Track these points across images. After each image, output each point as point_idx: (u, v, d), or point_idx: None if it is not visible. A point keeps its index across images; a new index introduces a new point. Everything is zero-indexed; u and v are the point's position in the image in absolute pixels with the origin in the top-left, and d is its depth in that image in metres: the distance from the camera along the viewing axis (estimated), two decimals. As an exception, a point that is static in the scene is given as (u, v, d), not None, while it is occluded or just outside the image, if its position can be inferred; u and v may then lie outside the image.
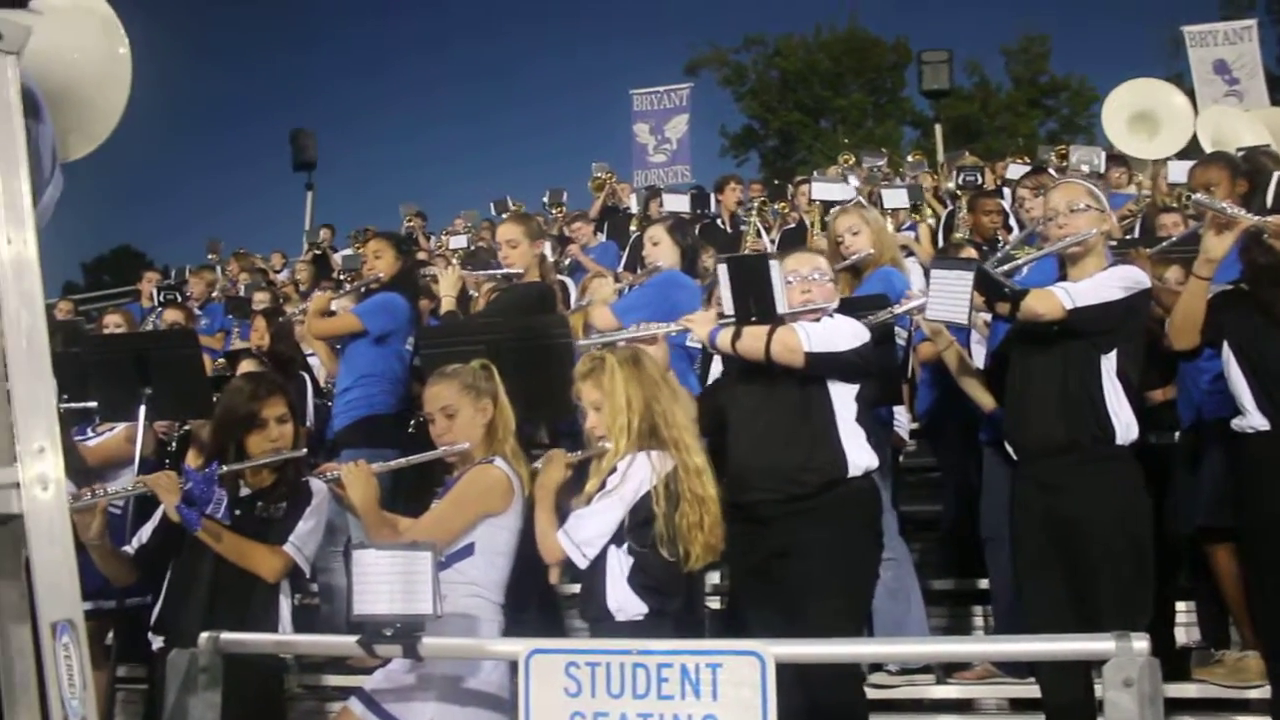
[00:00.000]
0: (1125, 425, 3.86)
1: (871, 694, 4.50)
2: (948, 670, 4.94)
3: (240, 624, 3.48)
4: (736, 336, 3.88)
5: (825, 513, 3.75)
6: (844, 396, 3.87)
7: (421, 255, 11.87)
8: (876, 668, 4.82)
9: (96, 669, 1.71)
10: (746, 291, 3.88)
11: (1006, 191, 9.40)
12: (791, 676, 2.79)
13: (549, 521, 3.56)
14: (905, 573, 4.88)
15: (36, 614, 1.61)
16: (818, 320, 3.91)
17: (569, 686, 2.55)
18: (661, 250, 5.74)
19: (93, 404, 5.59)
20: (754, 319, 3.86)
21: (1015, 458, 4.14)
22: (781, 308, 3.83)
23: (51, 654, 1.58)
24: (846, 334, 3.87)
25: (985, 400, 4.34)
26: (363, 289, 6.34)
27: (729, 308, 3.95)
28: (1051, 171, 8.75)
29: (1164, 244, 5.31)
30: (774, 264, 3.86)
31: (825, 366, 3.82)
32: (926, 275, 4.96)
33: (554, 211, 12.81)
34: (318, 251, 14.44)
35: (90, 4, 2.13)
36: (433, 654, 2.90)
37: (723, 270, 4.00)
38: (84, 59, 2.11)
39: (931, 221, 10.21)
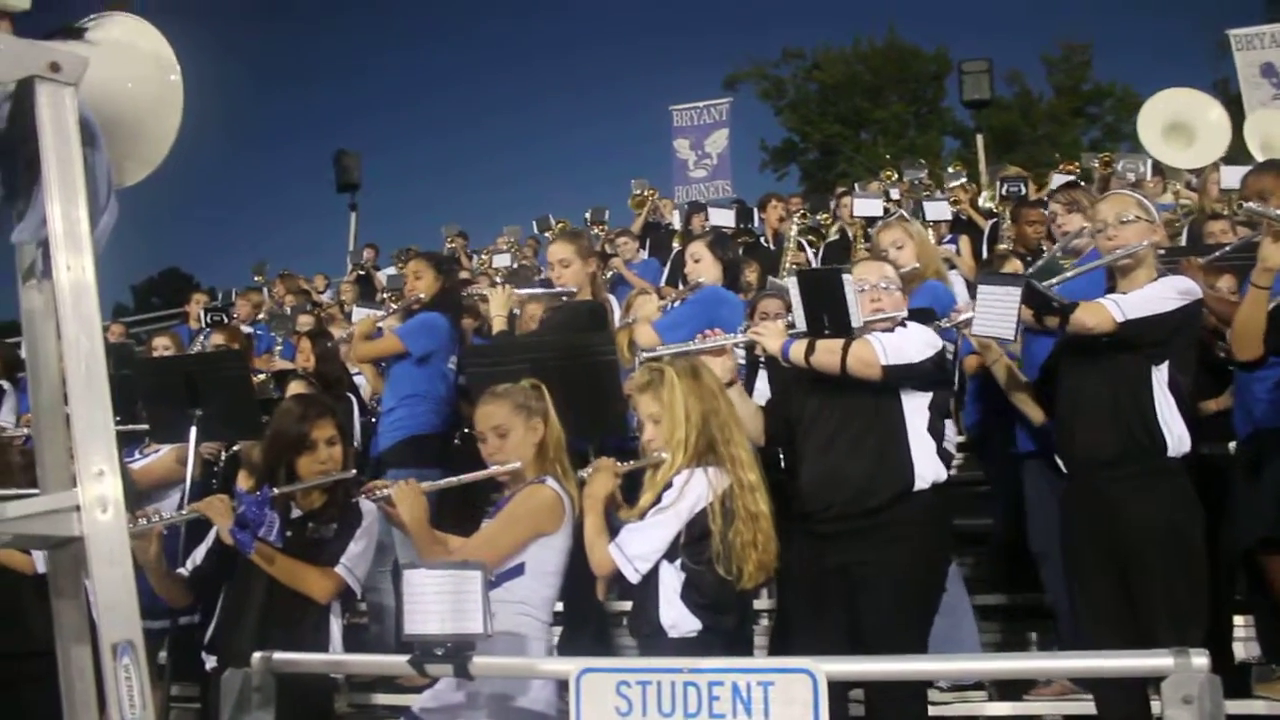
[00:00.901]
0: (1177, 437, 3.80)
1: (923, 711, 4.46)
2: (1003, 688, 4.86)
3: (292, 644, 3.49)
4: (810, 350, 3.87)
5: (892, 526, 3.74)
6: (916, 405, 3.86)
7: (464, 275, 11.95)
8: (928, 685, 4.76)
9: (152, 688, 1.72)
10: (819, 305, 3.88)
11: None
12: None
13: (598, 531, 3.54)
14: (956, 588, 4.82)
15: (97, 635, 1.62)
16: (890, 330, 3.89)
17: (620, 705, 2.54)
18: (703, 266, 5.75)
19: (144, 426, 5.66)
20: (827, 332, 3.85)
21: (1065, 470, 4.09)
22: (856, 321, 3.82)
23: (112, 674, 1.59)
24: (920, 343, 3.86)
25: (1034, 413, 4.29)
26: (406, 309, 6.38)
27: (801, 321, 3.93)
28: (1084, 185, 8.65)
29: (1217, 253, 5.24)
30: (847, 278, 3.86)
31: (901, 377, 3.81)
32: (970, 288, 4.92)
33: (596, 229, 12.83)
34: (361, 272, 14.56)
35: (142, 34, 2.16)
36: (483, 673, 2.89)
37: (793, 283, 4.00)
38: (137, 88, 2.14)
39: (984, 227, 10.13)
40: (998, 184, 10.70)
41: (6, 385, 7.75)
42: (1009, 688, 4.88)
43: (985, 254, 9.13)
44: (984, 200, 11.21)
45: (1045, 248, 7.49)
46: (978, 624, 4.97)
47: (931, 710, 4.60)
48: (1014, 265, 6.06)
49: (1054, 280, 4.35)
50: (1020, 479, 5.13)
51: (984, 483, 6.38)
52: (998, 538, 5.82)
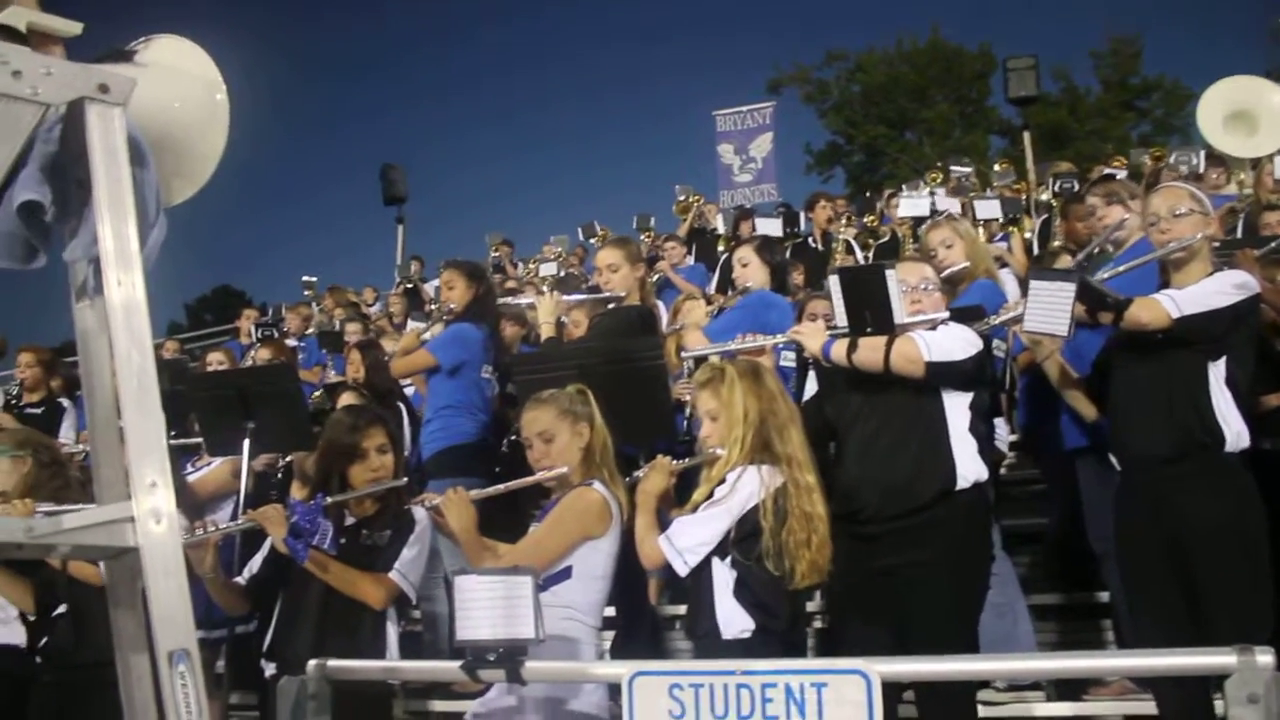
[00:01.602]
0: (1236, 433, 3.74)
1: (979, 711, 4.40)
2: (1061, 688, 4.80)
3: (348, 651, 3.54)
4: (853, 348, 3.85)
5: (936, 526, 3.69)
6: (957, 405, 3.82)
7: (511, 283, 12.01)
8: (984, 685, 4.71)
9: (210, 697, 1.75)
10: (861, 303, 3.85)
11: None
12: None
13: (648, 526, 3.55)
14: (1010, 588, 4.77)
15: (154, 643, 1.65)
16: (933, 329, 3.86)
17: (673, 708, 2.54)
18: (751, 271, 5.74)
19: (198, 439, 5.76)
20: (869, 330, 3.83)
21: (1119, 467, 4.04)
22: (899, 318, 3.80)
23: (169, 682, 1.62)
24: (963, 342, 3.83)
25: (1087, 410, 4.23)
26: (443, 320, 6.40)
27: (842, 319, 3.91)
28: (1119, 177, 8.52)
29: (1273, 244, 5.14)
30: (890, 274, 3.83)
31: (944, 376, 3.78)
32: (1022, 285, 4.85)
33: (643, 236, 12.87)
34: (409, 284, 14.69)
35: (189, 55, 2.20)
36: (536, 678, 2.91)
37: (834, 282, 3.97)
38: (184, 107, 2.18)
39: (1029, 235, 10.02)
40: (1050, 180, 10.58)
41: (67, 403, 7.91)
42: (1067, 687, 4.81)
43: (1036, 251, 9.05)
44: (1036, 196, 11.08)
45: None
46: (1034, 623, 4.90)
47: (989, 711, 4.55)
48: (1065, 262, 6.00)
49: (1104, 275, 4.29)
50: (1074, 476, 5.07)
51: (1038, 481, 6.30)
52: (1053, 536, 5.74)
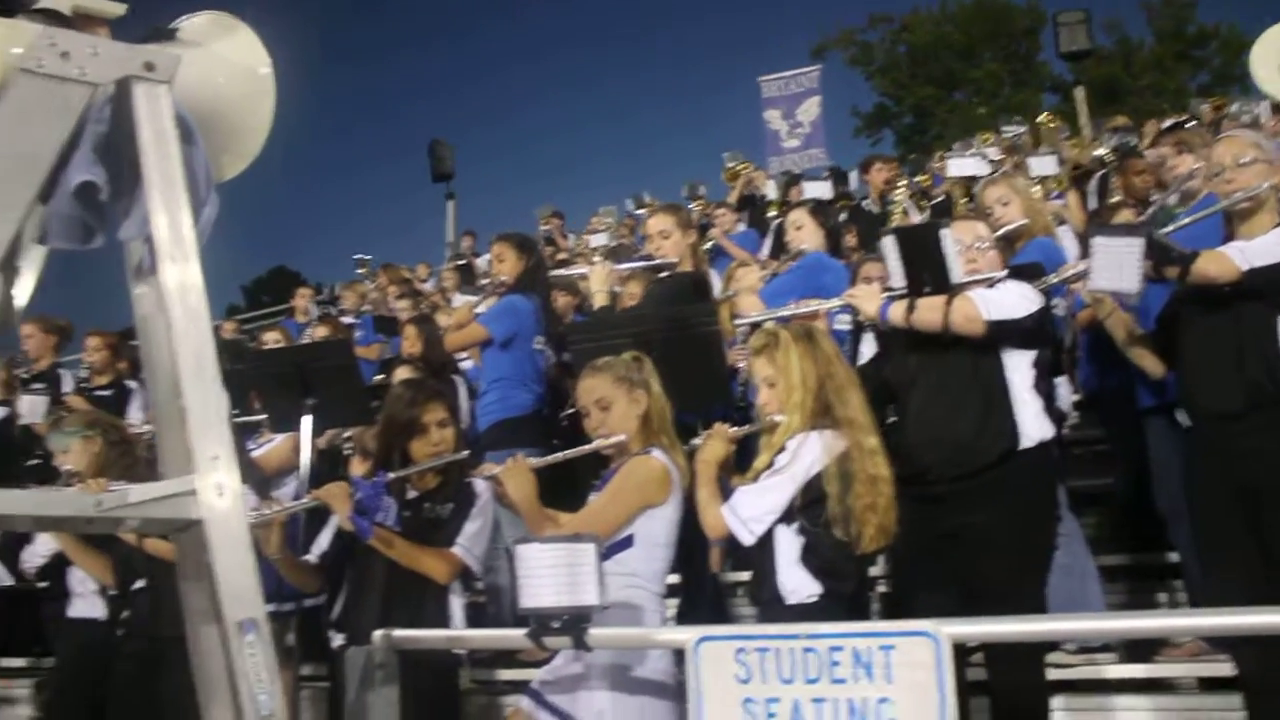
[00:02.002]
0: (1308, 385, 3.64)
1: (1049, 674, 4.35)
2: (1152, 648, 4.72)
3: (415, 622, 3.58)
4: (911, 309, 3.78)
5: (999, 486, 3.63)
6: (1019, 364, 3.75)
7: (563, 255, 12.00)
8: (1053, 647, 4.64)
9: (281, 668, 1.76)
10: (917, 262, 3.79)
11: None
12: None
13: (710, 496, 3.52)
14: (1078, 549, 4.70)
15: (222, 614, 1.67)
16: (991, 287, 3.79)
17: (739, 673, 2.54)
18: (805, 234, 5.69)
19: (260, 417, 5.83)
20: (927, 290, 3.77)
21: (1188, 424, 3.95)
22: (956, 276, 3.73)
23: (238, 651, 1.64)
24: (1022, 299, 3.76)
25: (1154, 367, 4.14)
26: (494, 292, 6.40)
27: (897, 280, 3.85)
28: (1192, 126, 8.31)
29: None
30: (945, 232, 3.76)
31: (1004, 334, 3.71)
32: (1081, 242, 4.74)
33: (694, 204, 12.80)
34: (461, 260, 14.74)
35: (232, 30, 2.20)
36: (601, 644, 2.92)
37: (890, 242, 3.91)
38: (229, 84, 2.18)
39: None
40: (1105, 135, 10.36)
41: (134, 385, 8.04)
42: (1138, 650, 4.73)
43: (1095, 207, 8.86)
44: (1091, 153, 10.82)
45: (1156, 196, 7.24)
46: (1102, 585, 4.82)
47: (1059, 674, 4.49)
48: (1125, 216, 5.87)
49: (1168, 229, 4.19)
50: (1141, 435, 4.97)
51: (1102, 441, 6.19)
52: (1120, 497, 5.64)
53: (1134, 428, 5.06)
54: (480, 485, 3.99)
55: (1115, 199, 7.53)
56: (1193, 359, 3.88)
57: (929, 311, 3.74)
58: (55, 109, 1.77)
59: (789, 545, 3.38)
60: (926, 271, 3.76)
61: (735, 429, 3.67)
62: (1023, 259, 4.81)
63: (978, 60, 34.97)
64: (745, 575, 5.03)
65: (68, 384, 8.19)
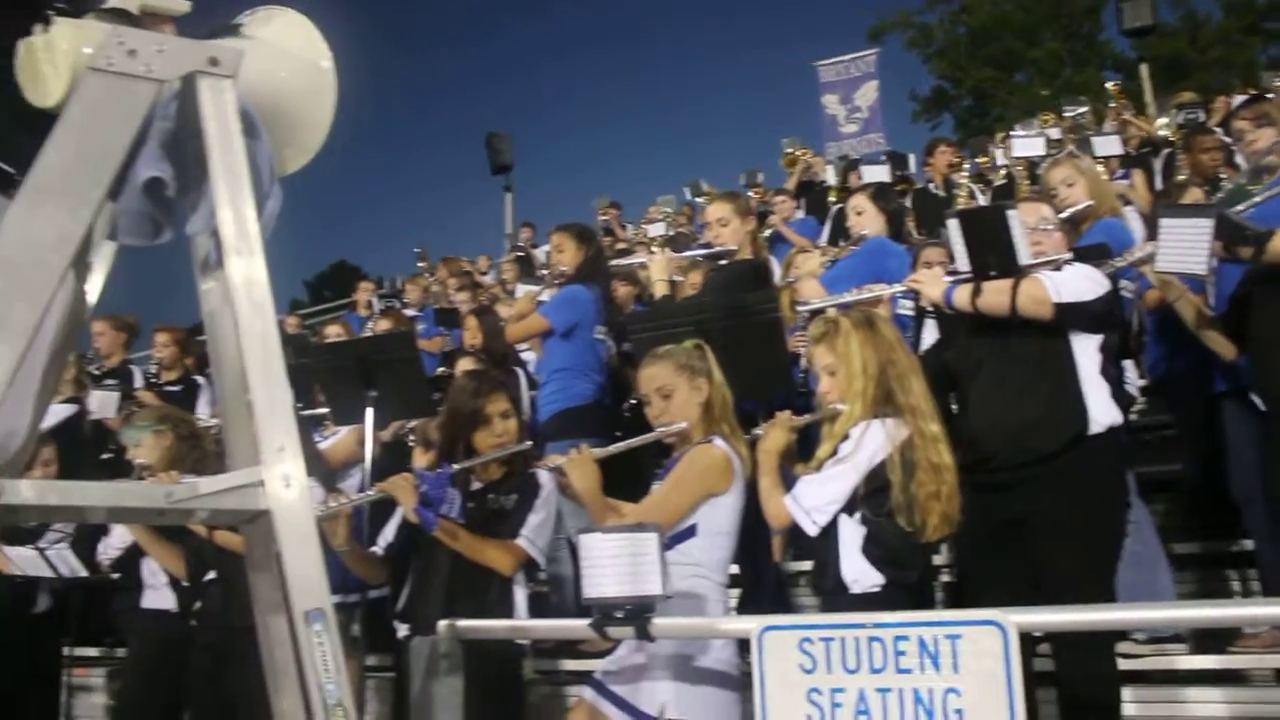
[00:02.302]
0: (1389, 365, 3.54)
1: (1119, 664, 4.27)
2: (1202, 640, 4.62)
3: (479, 612, 3.59)
4: (977, 292, 3.72)
5: (1067, 473, 3.56)
6: (1087, 348, 3.67)
7: (621, 245, 12.01)
8: (1122, 636, 4.56)
9: (347, 658, 1.78)
10: (983, 245, 3.73)
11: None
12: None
13: (773, 485, 3.49)
14: (1148, 537, 4.61)
15: (290, 604, 1.69)
16: (1058, 269, 3.72)
17: (803, 663, 2.52)
18: (866, 219, 5.65)
19: (324, 410, 5.90)
20: (992, 273, 3.71)
21: (1263, 408, 3.85)
22: (1024, 259, 3.66)
23: (306, 641, 1.66)
24: (1090, 282, 3.67)
25: (1225, 349, 4.05)
26: (554, 283, 6.42)
27: (963, 263, 3.79)
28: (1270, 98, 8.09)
29: None
30: (1012, 214, 3.69)
31: (1073, 317, 3.63)
32: (1147, 222, 4.62)
33: (752, 192, 12.74)
34: (520, 251, 14.81)
35: (294, 24, 2.22)
36: (664, 634, 2.91)
37: (954, 225, 3.85)
38: (291, 78, 2.20)
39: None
40: (1173, 112, 10.14)
41: (202, 380, 8.19)
42: (1210, 640, 4.62)
43: (1161, 185, 8.69)
44: (1159, 130, 10.60)
45: (1225, 175, 7.06)
46: (1172, 574, 4.73)
47: (1129, 664, 4.41)
48: (1194, 195, 5.73)
49: (1242, 206, 4.08)
50: (1212, 420, 4.85)
51: (1170, 426, 6.07)
52: (1189, 483, 5.52)
53: (1204, 412, 4.95)
54: (544, 476, 4.00)
55: (1182, 177, 7.37)
56: (1266, 341, 3.79)
57: (996, 295, 3.67)
58: (124, 106, 1.80)
59: (852, 535, 3.35)
60: (992, 254, 3.69)
61: (797, 418, 3.64)
62: (1088, 241, 4.73)
63: (1038, 40, 34.36)
64: (806, 565, 5.00)
65: (138, 380, 8.36)
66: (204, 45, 1.93)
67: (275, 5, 2.23)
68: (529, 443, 4.14)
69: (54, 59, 1.87)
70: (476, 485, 4.04)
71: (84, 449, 7.09)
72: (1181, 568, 5.20)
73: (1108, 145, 9.24)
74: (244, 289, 1.83)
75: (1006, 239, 3.65)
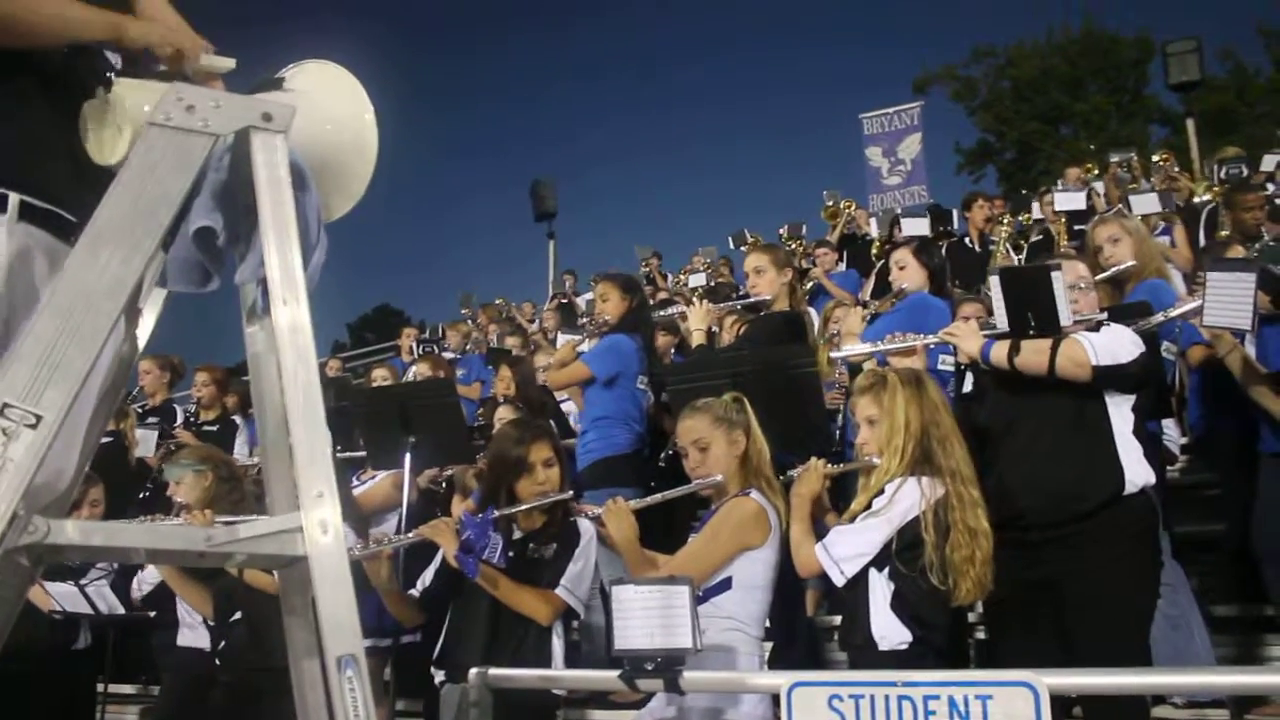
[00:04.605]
0: None
1: (1158, 729, 4.21)
2: (1242, 705, 4.52)
3: (514, 661, 3.59)
4: (1015, 350, 3.72)
5: (1102, 533, 3.54)
6: (1121, 408, 3.66)
7: (662, 295, 12.08)
8: (1159, 700, 4.48)
9: (377, 704, 1.80)
10: (1024, 303, 3.74)
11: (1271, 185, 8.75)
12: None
13: (804, 533, 3.50)
14: (1184, 599, 4.55)
15: (323, 649, 1.71)
16: (1095, 330, 3.71)
17: (833, 720, 2.51)
18: (908, 273, 5.65)
19: (362, 453, 5.95)
20: (1031, 332, 3.70)
21: None
22: (1065, 320, 3.67)
23: (338, 686, 1.67)
24: (1128, 344, 3.68)
25: (1276, 406, 4.00)
26: (597, 332, 6.45)
27: (1003, 321, 3.79)
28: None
29: None
30: (1057, 275, 3.70)
31: (1109, 379, 3.63)
32: (1187, 281, 4.59)
33: (792, 245, 12.78)
34: (563, 300, 14.91)
35: (336, 78, 2.28)
36: (694, 688, 2.90)
37: (995, 282, 3.85)
38: (336, 129, 2.26)
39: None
40: (1215, 167, 10.10)
41: (240, 420, 8.29)
42: (1248, 704, 4.53)
43: (1202, 241, 8.63)
44: (1201, 192, 10.53)
45: (1266, 232, 7.02)
46: (1211, 637, 4.65)
47: (1168, 729, 4.34)
48: (1235, 252, 5.71)
49: (1284, 262, 4.08)
50: (1255, 479, 4.79)
51: (1212, 485, 5.98)
52: (1230, 544, 5.43)
53: (1247, 472, 4.89)
54: (584, 524, 3.99)
55: (1224, 234, 7.34)
56: None
57: (1035, 355, 3.66)
58: (180, 159, 1.85)
59: (881, 590, 3.35)
60: (1033, 313, 3.69)
61: (831, 465, 3.64)
62: (1131, 300, 4.71)
63: (1084, 94, 34.28)
64: (839, 619, 4.96)
65: (179, 418, 8.48)
66: (258, 101, 1.99)
67: (316, 59, 2.29)
68: (570, 492, 4.13)
69: (117, 118, 1.94)
70: (517, 534, 4.03)
71: (125, 484, 7.16)
72: (1222, 630, 5.11)
73: (1146, 204, 9.20)
74: (289, 336, 1.86)
75: (1049, 299, 3.65)
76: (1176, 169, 11.84)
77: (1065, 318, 3.66)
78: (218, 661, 4.84)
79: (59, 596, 5.47)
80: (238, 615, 4.71)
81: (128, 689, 6.68)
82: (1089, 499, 3.57)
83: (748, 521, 3.58)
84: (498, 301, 15.35)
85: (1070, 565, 3.55)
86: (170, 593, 5.29)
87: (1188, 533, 5.57)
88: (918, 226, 10.31)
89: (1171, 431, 5.11)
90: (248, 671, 4.39)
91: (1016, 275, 3.94)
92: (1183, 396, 5.53)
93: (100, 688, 5.97)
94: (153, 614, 5.54)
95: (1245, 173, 9.40)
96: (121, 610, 5.57)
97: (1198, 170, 12.19)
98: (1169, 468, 5.26)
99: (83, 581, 5.44)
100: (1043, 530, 3.61)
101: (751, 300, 5.70)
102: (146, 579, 5.55)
